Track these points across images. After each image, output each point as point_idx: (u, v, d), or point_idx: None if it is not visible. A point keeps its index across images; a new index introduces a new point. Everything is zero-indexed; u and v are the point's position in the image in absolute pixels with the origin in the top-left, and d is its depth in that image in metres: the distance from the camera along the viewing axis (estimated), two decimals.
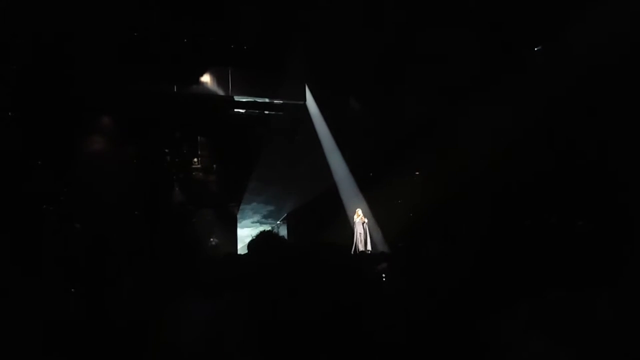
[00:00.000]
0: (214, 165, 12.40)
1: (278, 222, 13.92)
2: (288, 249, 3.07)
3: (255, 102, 13.32)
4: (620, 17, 8.38)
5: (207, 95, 12.59)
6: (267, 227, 13.25)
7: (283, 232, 13.63)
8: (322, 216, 12.32)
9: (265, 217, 13.98)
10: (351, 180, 13.48)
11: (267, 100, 13.41)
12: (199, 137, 12.42)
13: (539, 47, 11.07)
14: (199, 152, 12.43)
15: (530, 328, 2.41)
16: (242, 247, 11.97)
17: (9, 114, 9.89)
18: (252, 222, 13.83)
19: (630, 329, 2.40)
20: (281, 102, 13.50)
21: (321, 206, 12.62)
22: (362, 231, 11.95)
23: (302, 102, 13.61)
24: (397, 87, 11.76)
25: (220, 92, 12.76)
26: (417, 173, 12.84)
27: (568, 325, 2.41)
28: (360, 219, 12.13)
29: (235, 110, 13.08)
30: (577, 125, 9.26)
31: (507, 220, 9.05)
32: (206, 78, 12.60)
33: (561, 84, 9.37)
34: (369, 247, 11.53)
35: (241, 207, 13.07)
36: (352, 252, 11.35)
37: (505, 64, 10.68)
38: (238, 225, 13.04)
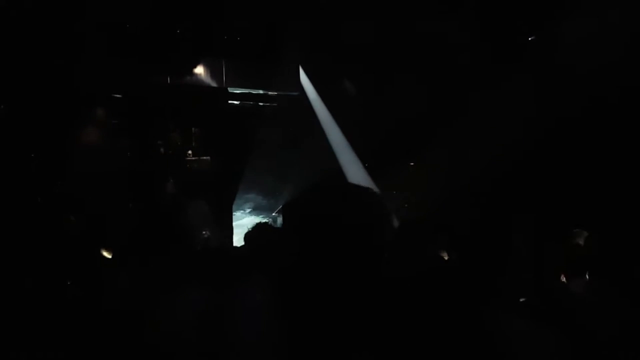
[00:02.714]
0: (209, 157, 12.35)
1: (274, 214, 13.91)
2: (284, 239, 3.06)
3: (249, 93, 13.27)
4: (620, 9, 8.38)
5: (200, 86, 12.53)
6: (263, 219, 13.23)
7: (279, 223, 13.62)
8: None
9: (260, 208, 13.96)
10: (361, 169, 13.39)
11: (261, 91, 13.36)
12: (193, 129, 12.37)
13: (533, 37, 11.08)
14: (193, 144, 12.38)
15: (530, 322, 2.41)
16: (237, 240, 11.96)
17: (1, 106, 9.81)
18: (247, 214, 13.82)
19: (630, 324, 2.41)
20: (276, 93, 13.45)
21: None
22: None
23: (296, 94, 13.57)
24: (397, 74, 11.72)
25: (214, 84, 12.70)
26: (425, 162, 12.69)
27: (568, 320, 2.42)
28: None
29: (230, 101, 13.03)
30: (575, 120, 9.27)
31: (507, 214, 9.09)
32: (200, 70, 12.53)
33: (557, 76, 9.38)
34: None
35: (236, 198, 13.06)
36: None
37: (499, 53, 10.70)
38: (233, 216, 13.02)
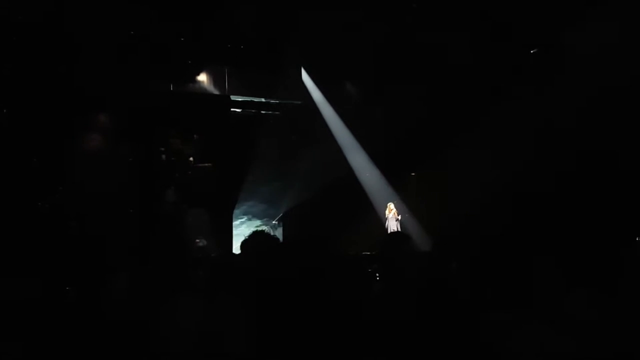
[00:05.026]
0: (210, 164, 12.38)
1: (274, 222, 13.89)
2: (282, 248, 3.09)
3: (251, 101, 13.32)
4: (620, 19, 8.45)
5: (203, 94, 12.59)
6: (263, 227, 13.21)
7: (279, 231, 13.61)
8: (321, 215, 12.15)
9: (260, 216, 13.94)
10: (376, 174, 13.30)
11: (263, 99, 13.41)
12: (195, 136, 12.41)
13: (535, 50, 11.14)
14: (195, 151, 12.41)
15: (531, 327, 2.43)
16: (236, 247, 11.93)
17: (4, 110, 9.86)
18: (247, 221, 13.81)
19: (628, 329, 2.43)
20: (278, 101, 13.50)
21: (320, 205, 12.47)
22: (395, 228, 11.43)
23: (299, 102, 13.61)
24: (402, 80, 11.77)
25: (217, 91, 12.77)
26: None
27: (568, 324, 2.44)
28: (393, 215, 11.64)
29: (232, 109, 13.07)
30: (577, 127, 9.31)
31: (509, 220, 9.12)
32: (202, 77, 12.61)
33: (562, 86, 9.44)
34: None
35: (237, 205, 13.06)
36: None
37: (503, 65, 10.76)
38: (233, 224, 13.01)
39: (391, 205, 11.80)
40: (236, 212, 13.16)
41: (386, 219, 11.76)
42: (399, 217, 11.63)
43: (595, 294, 2.62)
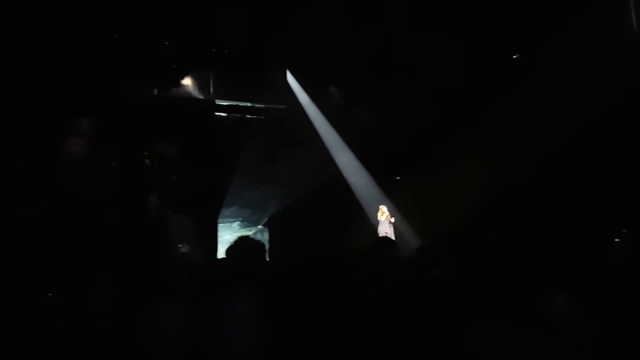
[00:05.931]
0: (194, 170, 12.31)
1: (259, 226, 13.85)
2: (266, 253, 3.08)
3: (237, 106, 13.27)
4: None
5: (188, 98, 12.52)
6: (248, 232, 13.16)
7: (265, 236, 13.57)
8: (308, 219, 12.09)
9: (246, 221, 13.90)
10: (366, 177, 13.24)
11: (248, 104, 13.37)
12: (179, 141, 12.33)
13: (517, 55, 11.27)
14: (179, 156, 12.33)
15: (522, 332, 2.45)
16: (221, 253, 11.84)
17: None
18: (233, 226, 13.76)
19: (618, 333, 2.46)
20: (263, 106, 13.46)
21: (307, 209, 12.43)
22: (388, 231, 11.14)
23: (283, 106, 13.59)
24: (393, 82, 11.83)
25: (201, 96, 12.72)
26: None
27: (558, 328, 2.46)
28: (385, 217, 11.34)
29: (217, 114, 13.02)
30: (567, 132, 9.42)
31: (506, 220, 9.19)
32: (187, 81, 12.54)
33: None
34: None
35: (221, 211, 12.98)
36: None
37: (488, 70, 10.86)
38: (218, 230, 12.94)
39: (384, 208, 11.50)
40: (221, 217, 13.08)
41: (378, 222, 11.49)
42: (392, 220, 11.46)
43: (576, 296, 2.65)
